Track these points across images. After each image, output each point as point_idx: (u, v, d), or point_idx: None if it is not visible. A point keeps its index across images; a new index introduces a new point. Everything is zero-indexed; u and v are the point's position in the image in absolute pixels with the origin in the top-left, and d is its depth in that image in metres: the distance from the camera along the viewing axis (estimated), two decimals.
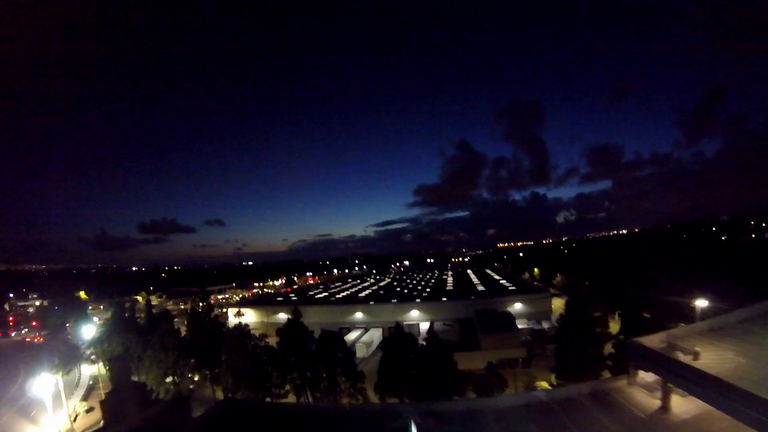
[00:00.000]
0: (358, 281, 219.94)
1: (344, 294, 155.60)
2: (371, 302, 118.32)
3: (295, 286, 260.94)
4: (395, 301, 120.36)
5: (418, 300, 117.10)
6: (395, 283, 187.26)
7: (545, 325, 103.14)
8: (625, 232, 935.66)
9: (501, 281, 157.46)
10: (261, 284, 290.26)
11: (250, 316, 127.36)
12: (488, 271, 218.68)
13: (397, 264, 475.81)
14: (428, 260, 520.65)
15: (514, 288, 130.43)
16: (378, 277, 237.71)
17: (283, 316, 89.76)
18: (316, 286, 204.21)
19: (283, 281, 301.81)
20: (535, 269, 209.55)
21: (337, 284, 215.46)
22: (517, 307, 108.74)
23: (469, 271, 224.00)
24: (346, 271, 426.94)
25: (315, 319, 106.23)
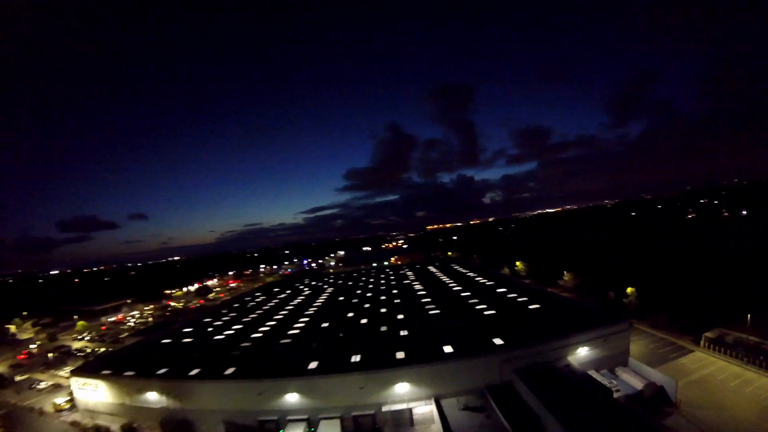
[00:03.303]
0: (289, 293, 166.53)
1: (265, 328, 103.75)
2: (317, 375, 64.26)
3: (210, 295, 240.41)
4: (360, 358, 70.79)
5: (402, 353, 68.90)
6: (343, 298, 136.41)
7: (631, 379, 62.64)
8: (551, 211, 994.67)
9: (503, 291, 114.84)
10: (171, 292, 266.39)
11: (104, 394, 73.80)
12: (457, 267, 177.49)
13: (332, 255, 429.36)
14: (364, 248, 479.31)
15: (537, 306, 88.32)
16: (314, 283, 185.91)
17: (156, 398, 67.68)
18: (232, 302, 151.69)
19: (200, 285, 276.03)
20: (518, 263, 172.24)
21: (258, 298, 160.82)
22: (581, 353, 65.87)
23: (432, 270, 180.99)
24: (275, 267, 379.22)
25: (214, 404, 64.61)
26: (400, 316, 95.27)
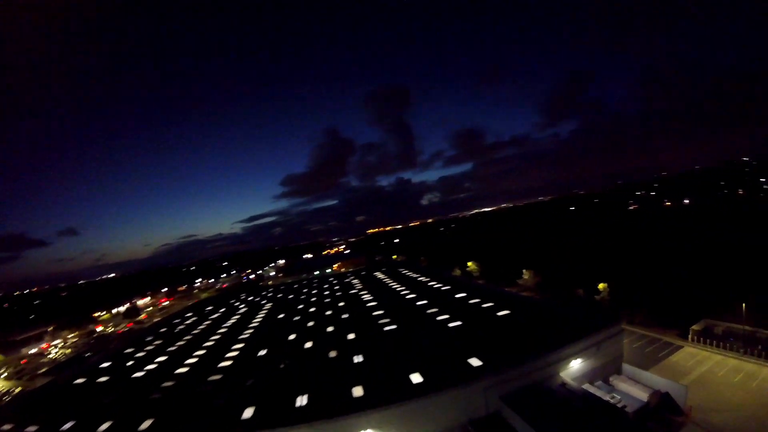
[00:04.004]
0: (223, 311, 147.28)
1: (193, 360, 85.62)
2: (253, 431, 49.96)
3: (141, 317, 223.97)
4: (307, 400, 55.76)
5: (360, 388, 54.44)
6: (283, 316, 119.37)
7: (631, 389, 54.09)
8: (488, 209, 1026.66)
9: (463, 296, 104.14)
10: (99, 315, 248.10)
11: None
12: (405, 272, 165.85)
13: (272, 264, 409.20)
14: (305, 256, 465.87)
15: (507, 312, 77.95)
16: (251, 299, 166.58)
17: None
18: (159, 326, 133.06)
19: (129, 306, 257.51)
20: (469, 263, 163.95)
21: (188, 320, 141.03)
22: (574, 366, 55.63)
23: (379, 276, 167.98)
24: (211, 281, 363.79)
25: None
26: (351, 336, 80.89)
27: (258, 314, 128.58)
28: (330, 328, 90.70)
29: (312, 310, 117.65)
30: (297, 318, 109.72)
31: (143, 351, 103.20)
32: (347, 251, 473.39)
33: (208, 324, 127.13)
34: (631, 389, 53.82)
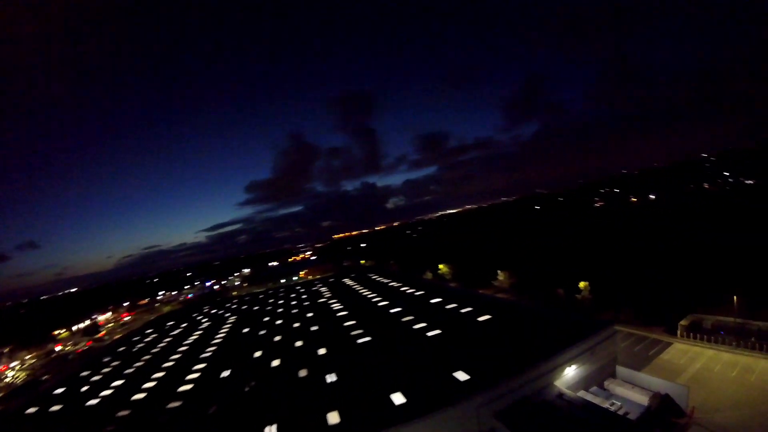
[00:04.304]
0: (185, 326, 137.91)
1: (151, 384, 76.25)
2: None
3: (101, 334, 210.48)
4: (276, 430, 48.69)
5: (335, 414, 47.26)
6: (248, 330, 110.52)
7: (629, 392, 50.64)
8: (453, 211, 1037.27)
9: (439, 300, 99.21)
10: (58, 333, 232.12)
11: None
12: (375, 277, 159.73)
13: (237, 274, 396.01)
14: (271, 263, 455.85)
15: (488, 317, 73.43)
16: (214, 312, 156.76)
17: None
18: (118, 344, 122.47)
19: (89, 323, 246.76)
20: (441, 265, 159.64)
21: (148, 337, 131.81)
22: (569, 374, 51.27)
23: (349, 282, 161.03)
24: (174, 293, 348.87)
25: None
26: (323, 351, 74.00)
27: (221, 329, 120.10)
28: (299, 343, 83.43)
29: (279, 322, 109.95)
30: (263, 332, 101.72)
31: (100, 374, 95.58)
32: (314, 258, 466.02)
33: (168, 341, 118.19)
34: (630, 393, 50.12)
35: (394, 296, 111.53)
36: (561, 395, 47.16)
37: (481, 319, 72.74)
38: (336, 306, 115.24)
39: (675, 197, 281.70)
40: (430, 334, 69.96)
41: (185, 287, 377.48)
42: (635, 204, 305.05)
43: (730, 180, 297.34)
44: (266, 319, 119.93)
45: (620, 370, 55.22)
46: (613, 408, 46.06)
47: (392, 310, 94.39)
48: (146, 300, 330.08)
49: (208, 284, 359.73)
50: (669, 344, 64.54)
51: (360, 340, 75.85)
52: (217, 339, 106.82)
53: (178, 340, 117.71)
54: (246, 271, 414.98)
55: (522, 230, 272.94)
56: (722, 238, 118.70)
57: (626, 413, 45.31)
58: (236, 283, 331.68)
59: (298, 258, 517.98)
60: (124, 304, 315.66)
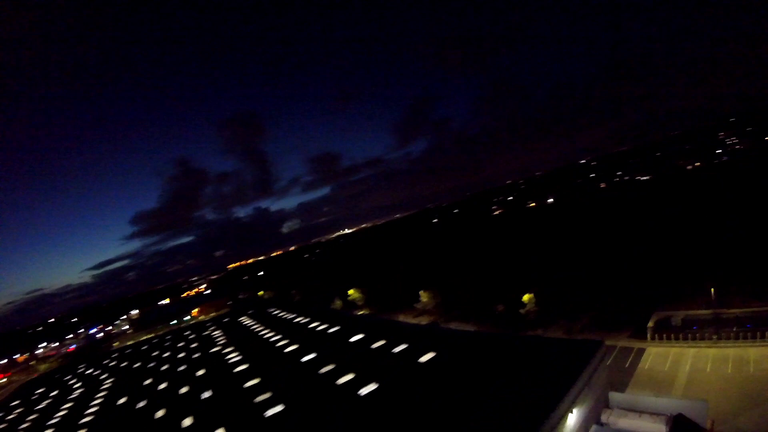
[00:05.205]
0: (55, 395, 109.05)
1: None
2: None
3: None
4: None
5: None
6: (126, 399, 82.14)
7: (640, 423, 39.95)
8: (348, 231, 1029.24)
9: (360, 338, 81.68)
10: None
11: None
12: (277, 312, 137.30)
13: (125, 317, 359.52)
14: (162, 302, 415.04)
15: (433, 354, 58.22)
16: (90, 371, 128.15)
17: None
18: None
19: None
20: (350, 290, 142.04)
21: (13, 412, 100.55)
22: (570, 424, 37.82)
23: (247, 322, 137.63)
24: (54, 344, 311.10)
25: None
26: None
27: (97, 396, 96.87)
28: (187, 422, 60.05)
29: (163, 386, 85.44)
30: (142, 404, 76.97)
31: None
32: (209, 291, 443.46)
33: (35, 419, 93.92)
34: (639, 424, 38.69)
35: (303, 337, 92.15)
36: None
37: (424, 359, 57.10)
38: (233, 358, 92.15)
39: (575, 198, 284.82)
40: (363, 392, 52.38)
41: (68, 336, 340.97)
42: (533, 208, 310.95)
43: (626, 178, 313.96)
44: (148, 381, 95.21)
45: (614, 396, 44.11)
46: None
47: (305, 359, 74.94)
48: (25, 356, 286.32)
49: (92, 331, 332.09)
50: (642, 350, 55.92)
51: (269, 412, 55.35)
52: (90, 412, 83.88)
53: (45, 414, 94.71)
54: (134, 312, 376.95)
55: (430, 244, 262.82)
56: (653, 233, 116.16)
57: None
58: (124, 328, 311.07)
59: (191, 293, 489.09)
60: (1, 362, 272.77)
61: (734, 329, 52.03)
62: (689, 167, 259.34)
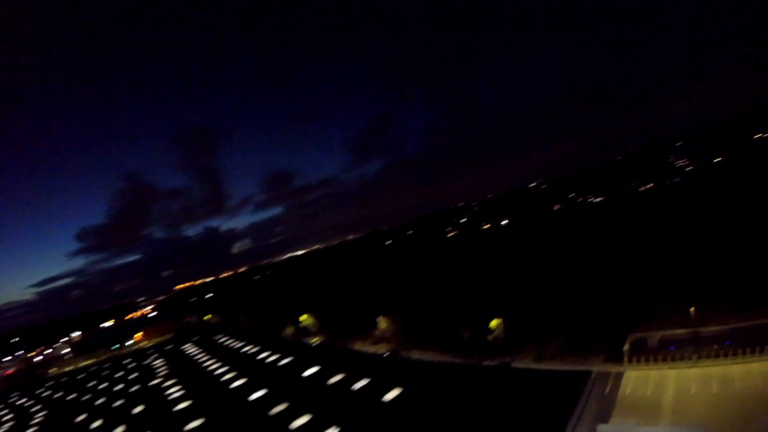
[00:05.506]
0: None
1: None
2: None
3: None
4: None
5: None
6: None
7: None
8: (300, 252, 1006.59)
9: (317, 371, 74.04)
10: None
11: None
12: (224, 340, 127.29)
13: (66, 339, 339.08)
14: (105, 324, 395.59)
15: (399, 390, 51.99)
16: (21, 403, 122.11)
17: None
18: None
19: None
20: (302, 316, 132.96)
21: None
22: None
23: (191, 351, 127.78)
24: None
25: None
26: None
27: None
28: None
29: (95, 425, 76.81)
30: None
31: None
32: (155, 313, 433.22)
33: None
34: None
35: (253, 369, 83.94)
36: None
37: (389, 397, 50.80)
38: (174, 393, 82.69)
39: (530, 219, 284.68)
40: None
41: (5, 359, 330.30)
42: (488, 229, 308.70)
43: (579, 200, 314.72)
44: (81, 417, 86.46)
45: (602, 429, 40.02)
46: None
47: (254, 396, 66.70)
48: None
49: (30, 354, 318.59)
50: (620, 374, 52.32)
51: None
52: None
53: None
54: (75, 334, 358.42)
55: (386, 266, 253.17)
56: (615, 251, 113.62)
57: None
58: (64, 351, 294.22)
59: (137, 314, 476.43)
60: None
61: (714, 347, 49.90)
62: (642, 189, 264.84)
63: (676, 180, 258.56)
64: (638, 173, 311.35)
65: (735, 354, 48.22)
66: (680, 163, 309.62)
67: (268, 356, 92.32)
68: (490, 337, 71.08)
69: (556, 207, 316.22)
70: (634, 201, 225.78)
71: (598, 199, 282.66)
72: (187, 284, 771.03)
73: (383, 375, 58.32)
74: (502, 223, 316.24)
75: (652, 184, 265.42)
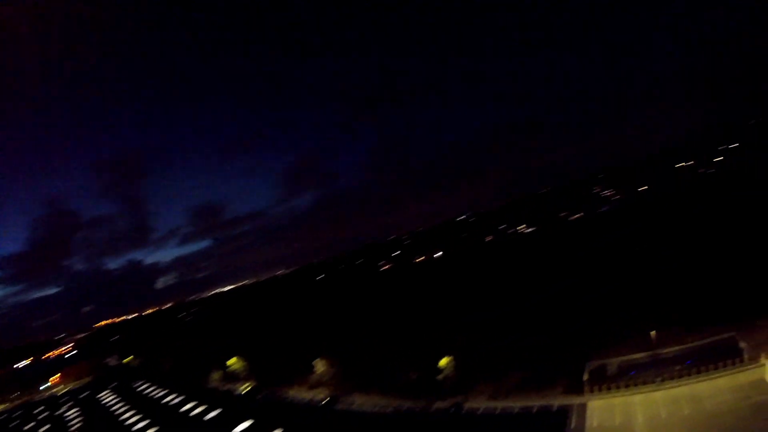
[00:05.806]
0: None
1: None
2: None
3: None
4: None
5: None
6: None
7: None
8: (228, 288, 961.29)
9: (249, 426, 64.16)
10: None
11: None
12: (145, 388, 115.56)
13: None
14: (19, 364, 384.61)
15: None
16: None
17: None
18: None
19: None
20: (231, 360, 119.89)
21: None
22: None
23: (108, 400, 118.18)
24: None
25: None
26: None
27: None
28: None
29: None
30: None
31: None
32: (74, 352, 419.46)
33: None
34: None
35: (175, 425, 72.77)
36: None
37: None
38: None
39: (463, 251, 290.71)
40: None
41: None
42: (426, 260, 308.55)
43: (509, 232, 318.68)
44: None
45: None
46: None
47: None
48: None
49: None
50: (583, 406, 49.05)
51: None
52: None
53: None
54: None
55: (319, 303, 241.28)
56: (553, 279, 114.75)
57: None
58: None
59: (55, 353, 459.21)
60: None
61: (677, 368, 48.85)
62: (572, 218, 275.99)
63: (604, 209, 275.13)
64: (565, 204, 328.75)
65: (699, 372, 47.16)
66: (606, 192, 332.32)
67: (192, 408, 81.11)
68: (440, 377, 65.39)
69: (489, 238, 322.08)
70: (565, 230, 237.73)
71: (529, 230, 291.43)
72: (108, 321, 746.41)
73: (323, 428, 50.37)
74: (435, 255, 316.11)
75: (581, 214, 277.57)
